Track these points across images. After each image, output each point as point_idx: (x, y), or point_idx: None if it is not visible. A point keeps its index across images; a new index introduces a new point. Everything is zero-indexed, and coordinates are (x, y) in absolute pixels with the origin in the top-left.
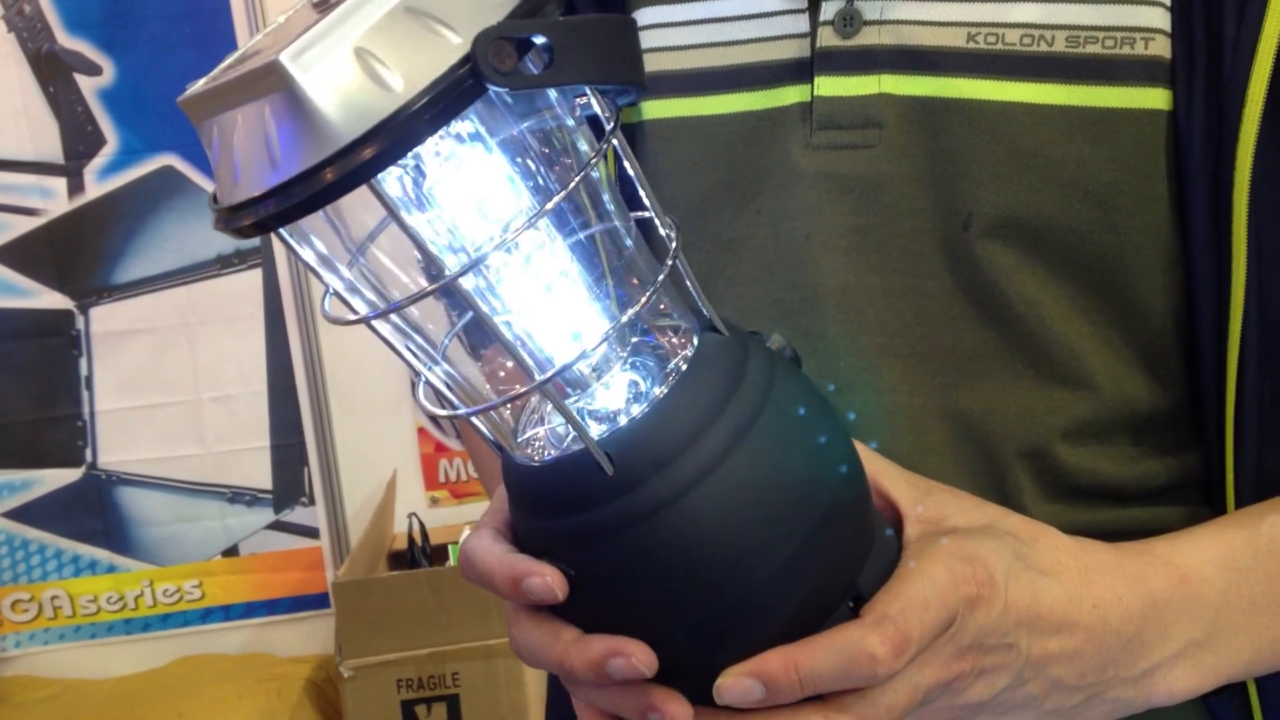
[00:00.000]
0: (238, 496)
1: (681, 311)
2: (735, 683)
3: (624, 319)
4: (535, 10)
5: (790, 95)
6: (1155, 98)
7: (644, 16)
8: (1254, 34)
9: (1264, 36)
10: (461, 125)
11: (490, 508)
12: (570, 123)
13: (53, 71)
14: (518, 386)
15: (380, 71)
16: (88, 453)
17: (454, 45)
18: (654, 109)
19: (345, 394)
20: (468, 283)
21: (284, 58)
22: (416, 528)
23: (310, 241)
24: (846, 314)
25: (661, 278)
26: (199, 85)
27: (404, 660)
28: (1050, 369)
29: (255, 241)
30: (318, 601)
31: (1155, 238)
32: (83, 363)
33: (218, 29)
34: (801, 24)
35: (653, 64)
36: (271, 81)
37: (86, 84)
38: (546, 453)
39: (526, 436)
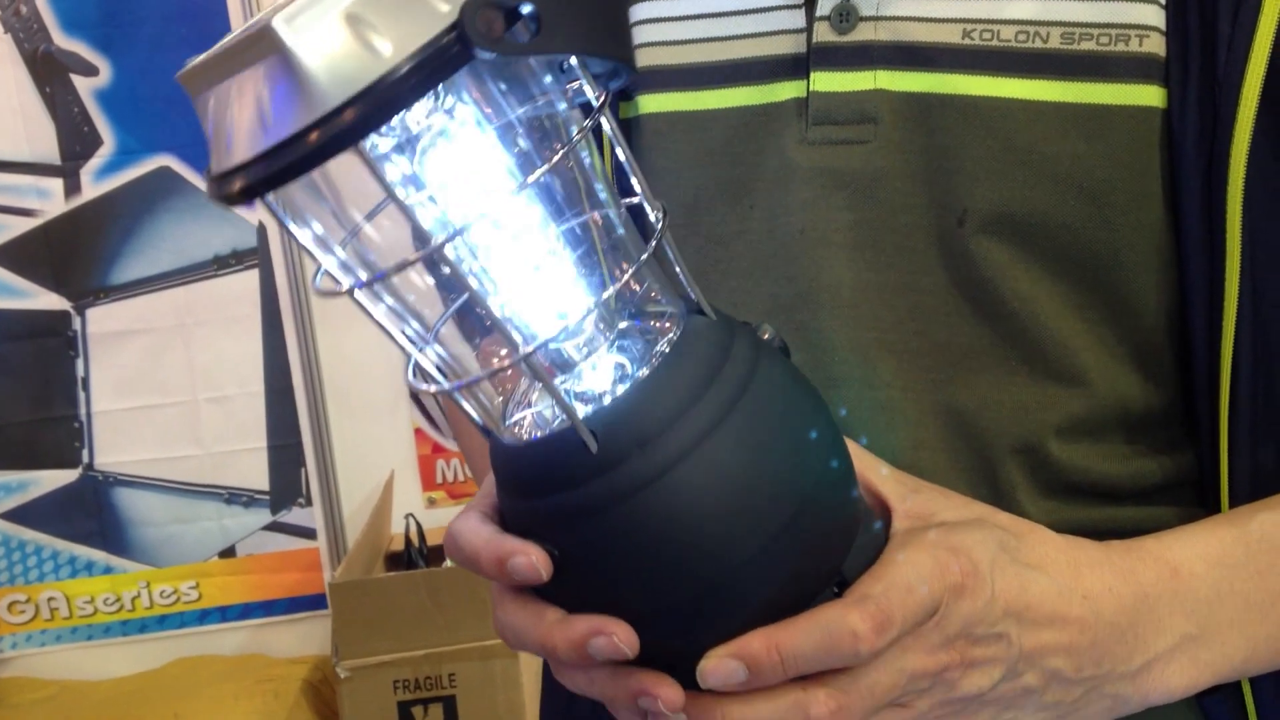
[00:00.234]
0: (234, 497)
1: (671, 298)
2: (718, 664)
3: (608, 294)
4: None
5: (786, 90)
6: (1150, 95)
7: (639, 11)
8: (1248, 32)
9: (1258, 34)
10: (462, 110)
11: (479, 492)
12: (563, 107)
13: (49, 72)
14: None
15: (370, 37)
16: (84, 454)
17: (443, 13)
18: (649, 104)
19: (342, 395)
20: (455, 257)
21: (277, 22)
22: (413, 529)
23: (305, 219)
24: (841, 309)
25: (645, 255)
26: (197, 60)
27: (400, 661)
28: (1044, 366)
29: (252, 242)
30: (315, 602)
31: (1149, 235)
32: (79, 363)
33: (214, 29)
34: (797, 19)
35: (648, 59)
36: (265, 46)
37: (83, 84)
38: (533, 434)
39: (514, 420)
